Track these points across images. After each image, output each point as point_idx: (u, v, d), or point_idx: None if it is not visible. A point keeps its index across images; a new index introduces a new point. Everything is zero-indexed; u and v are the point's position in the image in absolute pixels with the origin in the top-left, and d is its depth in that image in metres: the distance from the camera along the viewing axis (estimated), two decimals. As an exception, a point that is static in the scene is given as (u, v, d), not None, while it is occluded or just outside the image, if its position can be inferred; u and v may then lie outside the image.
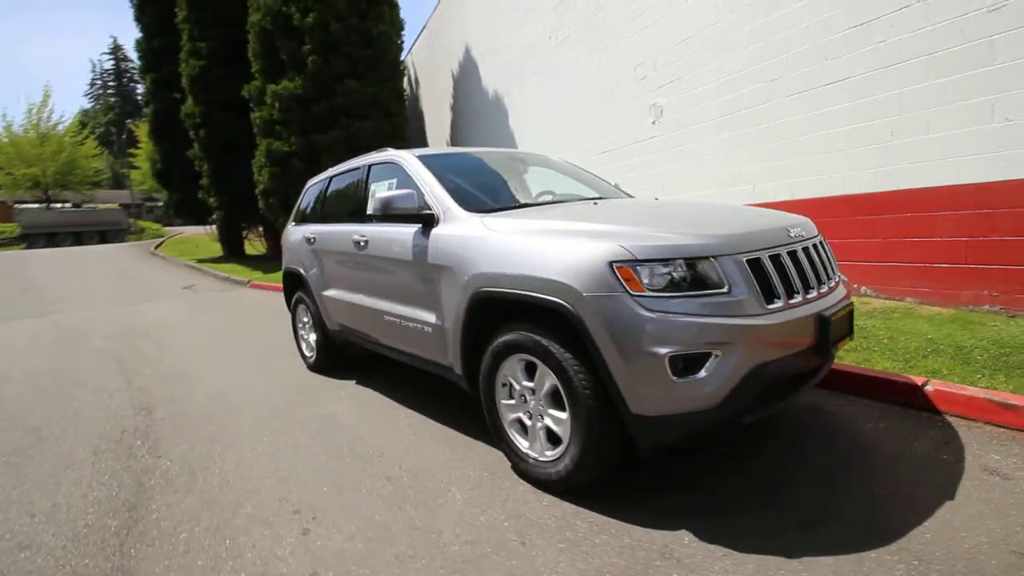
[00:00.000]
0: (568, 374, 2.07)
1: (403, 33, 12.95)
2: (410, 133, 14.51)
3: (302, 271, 4.36)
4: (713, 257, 1.94)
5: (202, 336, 6.36)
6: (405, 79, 14.42)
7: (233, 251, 16.64)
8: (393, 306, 3.17)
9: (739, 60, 5.67)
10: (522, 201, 3.12)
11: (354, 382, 4.13)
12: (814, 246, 2.34)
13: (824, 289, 2.26)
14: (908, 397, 2.85)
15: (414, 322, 2.98)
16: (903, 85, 4.24)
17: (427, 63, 15.31)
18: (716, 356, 1.86)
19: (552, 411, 2.23)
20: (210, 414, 3.70)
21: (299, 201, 4.93)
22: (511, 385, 2.41)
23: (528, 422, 2.36)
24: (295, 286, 4.72)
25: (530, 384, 2.31)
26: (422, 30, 16.11)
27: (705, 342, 1.85)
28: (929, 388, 2.81)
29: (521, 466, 2.38)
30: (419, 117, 16.71)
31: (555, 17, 9.07)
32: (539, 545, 1.92)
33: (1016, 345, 3.19)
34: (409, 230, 3.00)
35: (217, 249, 17.56)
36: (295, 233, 4.69)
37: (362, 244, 3.45)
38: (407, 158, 3.30)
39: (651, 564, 1.78)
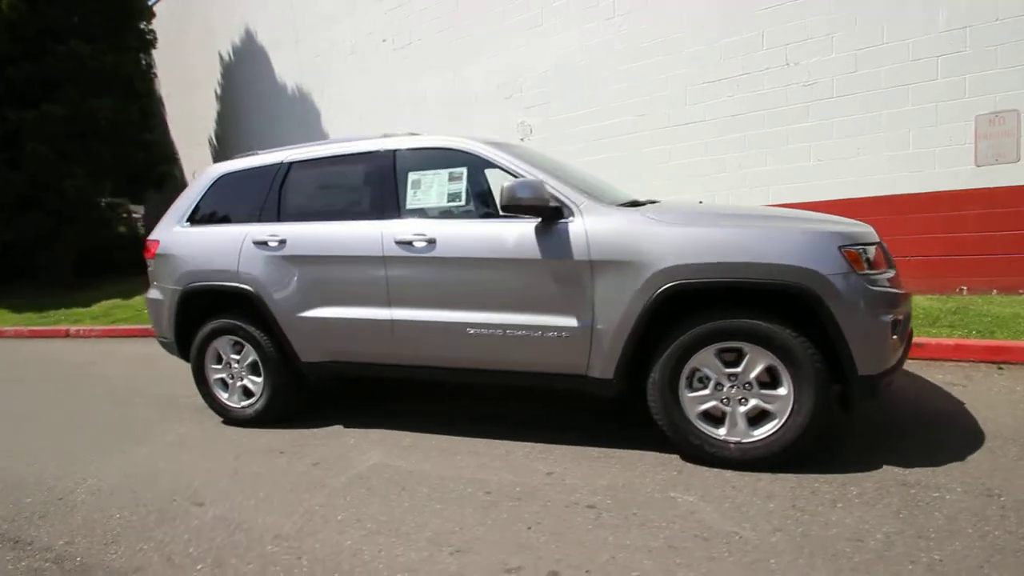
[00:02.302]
0: (794, 352, 2.24)
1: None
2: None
3: (249, 288, 3.15)
4: (880, 243, 2.44)
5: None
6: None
7: None
8: (489, 315, 2.67)
9: (608, 94, 6.62)
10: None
11: (380, 429, 3.23)
12: None
13: None
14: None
15: (535, 329, 2.59)
16: (747, 130, 5.76)
17: (171, 36, 12.27)
18: (902, 319, 2.34)
19: (764, 391, 2.34)
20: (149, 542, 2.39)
21: (192, 195, 3.53)
22: (705, 376, 2.41)
23: (736, 408, 2.37)
24: (208, 312, 3.36)
25: (733, 371, 2.37)
26: (163, -7, 12.83)
27: (900, 310, 2.32)
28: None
29: (722, 453, 2.39)
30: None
31: (391, 21, 8.68)
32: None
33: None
34: (518, 225, 2.63)
35: None
36: (208, 236, 3.35)
37: (420, 244, 2.78)
38: (482, 145, 2.84)
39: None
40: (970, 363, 3.64)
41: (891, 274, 2.41)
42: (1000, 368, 3.47)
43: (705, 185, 5.99)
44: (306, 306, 3.07)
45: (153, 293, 3.61)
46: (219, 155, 12.62)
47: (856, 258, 2.25)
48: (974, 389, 3.18)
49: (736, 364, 2.36)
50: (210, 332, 3.34)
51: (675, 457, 2.54)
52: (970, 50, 4.59)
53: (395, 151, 3.02)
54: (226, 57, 11.78)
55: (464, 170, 2.85)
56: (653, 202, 2.83)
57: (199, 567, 1.98)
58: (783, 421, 2.31)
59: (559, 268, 2.55)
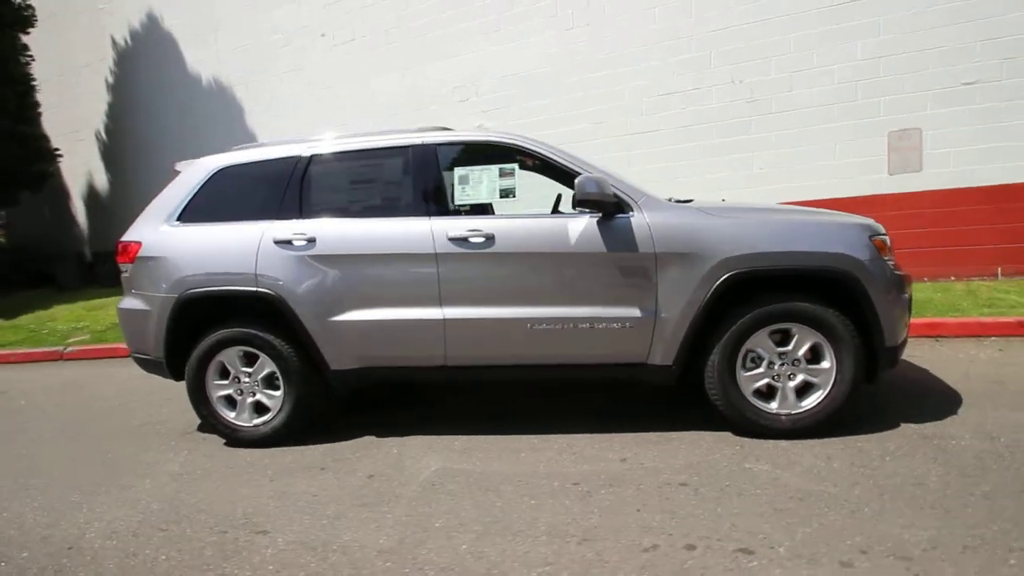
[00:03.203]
0: (837, 329, 2.54)
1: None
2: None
3: (271, 292, 2.87)
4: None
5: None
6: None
7: None
8: (552, 310, 2.70)
9: (566, 102, 6.89)
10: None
11: (418, 436, 3.05)
12: None
13: None
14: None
15: (599, 321, 2.67)
16: (699, 140, 6.30)
17: (52, 13, 10.61)
18: (909, 297, 2.77)
19: (810, 366, 2.62)
20: None
21: (181, 191, 3.14)
22: (758, 356, 2.63)
23: (785, 383, 2.63)
24: (204, 322, 3.00)
25: (783, 349, 2.62)
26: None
27: (909, 290, 2.73)
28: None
29: (774, 425, 2.63)
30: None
31: (330, 15, 8.29)
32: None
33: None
34: (578, 220, 2.71)
35: None
36: (212, 236, 3.01)
37: (477, 240, 2.73)
38: (532, 141, 2.87)
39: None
40: (913, 338, 4.32)
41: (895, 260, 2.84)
42: (938, 340, 4.16)
43: (664, 190, 6.43)
44: (340, 309, 2.87)
45: (131, 303, 3.15)
46: (110, 152, 11.12)
47: (881, 246, 2.63)
48: (928, 358, 3.77)
49: (784, 343, 2.63)
50: (215, 344, 2.98)
51: (727, 434, 2.75)
52: (883, 77, 5.46)
53: (437, 145, 2.95)
54: (121, 42, 10.42)
55: (515, 166, 2.86)
56: (688, 200, 3.04)
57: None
58: (827, 392, 2.61)
59: (624, 261, 2.66)
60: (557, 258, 2.72)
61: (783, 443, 2.61)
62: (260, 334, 2.93)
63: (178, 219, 3.11)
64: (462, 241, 2.76)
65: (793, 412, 2.64)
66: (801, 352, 2.62)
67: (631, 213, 2.69)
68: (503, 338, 2.78)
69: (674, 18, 6.24)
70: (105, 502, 2.56)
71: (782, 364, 2.64)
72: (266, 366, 2.99)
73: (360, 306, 2.87)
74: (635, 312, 2.67)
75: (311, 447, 2.99)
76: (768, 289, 2.64)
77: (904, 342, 2.71)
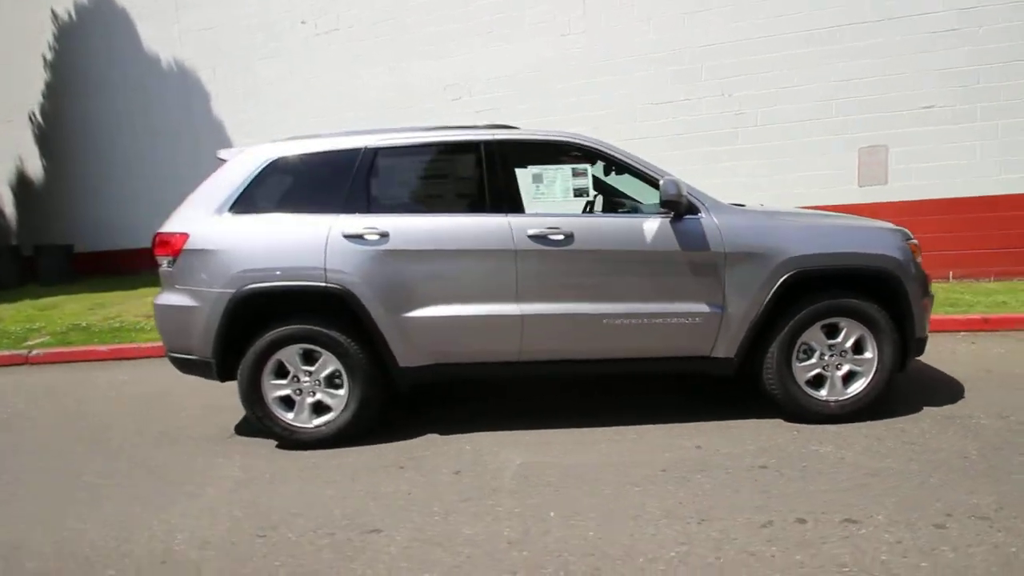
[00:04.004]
0: (880, 323, 2.83)
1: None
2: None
3: (342, 287, 2.79)
4: None
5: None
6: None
7: None
8: (626, 306, 2.83)
9: (561, 106, 7.05)
10: None
11: (482, 432, 3.05)
12: None
13: None
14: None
15: (670, 316, 2.83)
16: (689, 148, 6.66)
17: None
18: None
19: (855, 356, 2.90)
20: None
21: (233, 180, 2.98)
22: (810, 348, 2.88)
23: (834, 372, 2.89)
24: (265, 318, 2.87)
25: (832, 341, 2.88)
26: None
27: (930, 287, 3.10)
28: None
29: (824, 410, 2.89)
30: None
31: (311, 1, 7.96)
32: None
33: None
34: (651, 220, 2.87)
35: None
36: (274, 229, 2.90)
37: (557, 238, 2.79)
38: (607, 144, 2.98)
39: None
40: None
41: None
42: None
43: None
44: (413, 305, 2.84)
45: (174, 299, 2.95)
46: (47, 135, 10.09)
47: (913, 249, 2.96)
48: (915, 351, 4.24)
49: (833, 336, 2.90)
50: (274, 342, 2.85)
51: (779, 420, 2.99)
52: (855, 97, 6.03)
53: (509, 142, 2.99)
54: (65, 16, 9.47)
55: (588, 167, 2.96)
56: (740, 204, 3.27)
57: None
58: (869, 379, 2.91)
59: (696, 259, 2.83)
60: (633, 256, 2.85)
61: (831, 427, 2.87)
62: (326, 331, 2.84)
63: (229, 210, 2.95)
64: (541, 239, 2.82)
65: (840, 399, 2.91)
66: (849, 344, 2.90)
67: (700, 214, 2.87)
68: (577, 333, 2.88)
69: (667, 31, 6.57)
70: (177, 512, 2.39)
71: (831, 355, 2.91)
72: (329, 364, 2.89)
73: (435, 302, 2.85)
74: (703, 307, 2.85)
75: (377, 446, 2.93)
76: (816, 288, 2.90)
77: (927, 334, 3.06)
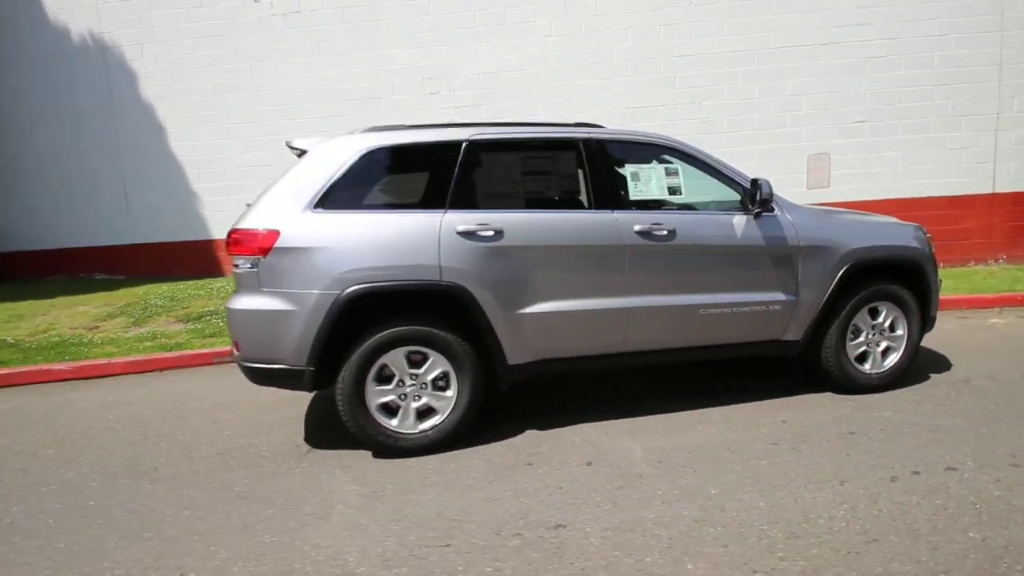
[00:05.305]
0: (910, 304, 3.35)
1: None
2: None
3: (457, 285, 2.70)
4: None
5: None
6: None
7: None
8: (721, 296, 3.07)
9: (541, 107, 7.20)
10: None
11: (573, 425, 3.09)
12: None
13: None
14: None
15: (756, 305, 3.11)
16: (663, 151, 7.13)
17: None
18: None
19: (890, 334, 3.39)
20: None
21: (322, 173, 2.74)
22: (858, 329, 3.32)
23: (875, 349, 3.36)
24: (365, 321, 2.70)
25: (876, 322, 3.34)
26: None
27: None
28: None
29: (868, 382, 3.34)
30: None
31: (267, -19, 7.30)
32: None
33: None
34: (738, 217, 3.15)
35: None
36: (377, 226, 2.74)
37: (661, 234, 2.94)
38: (691, 145, 3.19)
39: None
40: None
41: None
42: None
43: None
44: (527, 301, 2.84)
45: (262, 302, 2.67)
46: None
47: (930, 241, 3.52)
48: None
49: (875, 317, 3.37)
50: (382, 344, 2.69)
51: (828, 394, 3.41)
52: (804, 110, 6.88)
53: (608, 141, 3.08)
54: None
55: (679, 166, 3.14)
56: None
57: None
58: (901, 353, 3.42)
59: (778, 252, 3.15)
60: (726, 250, 3.10)
61: (874, 396, 3.34)
62: (438, 331, 2.73)
63: (318, 205, 2.71)
64: (647, 234, 2.96)
65: (880, 371, 3.40)
66: (887, 324, 3.39)
67: (776, 212, 3.18)
68: (677, 324, 3.06)
69: (644, 40, 6.99)
70: (317, 534, 2.20)
71: (873, 334, 3.38)
72: (437, 366, 2.79)
73: (546, 298, 2.87)
74: (780, 296, 3.18)
75: (479, 448, 2.88)
76: (861, 277, 3.34)
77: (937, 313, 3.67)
